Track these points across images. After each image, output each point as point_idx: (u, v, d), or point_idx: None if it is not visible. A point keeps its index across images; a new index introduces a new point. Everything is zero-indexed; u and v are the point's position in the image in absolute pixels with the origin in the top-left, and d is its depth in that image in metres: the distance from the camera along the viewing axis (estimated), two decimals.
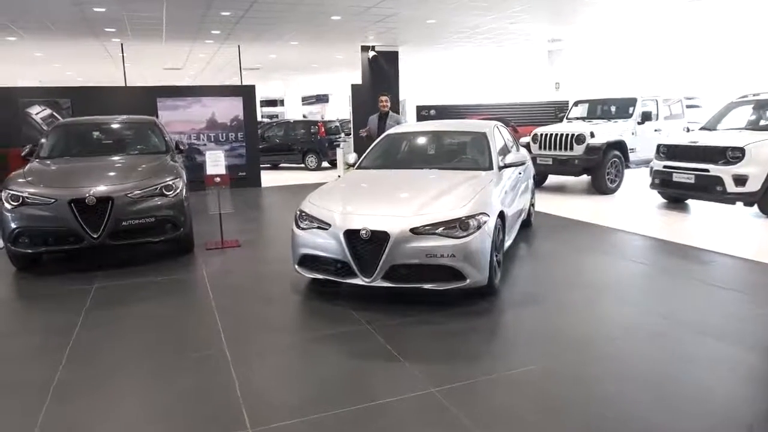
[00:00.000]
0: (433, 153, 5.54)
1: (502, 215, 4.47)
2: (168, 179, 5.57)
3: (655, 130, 10.34)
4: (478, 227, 3.98)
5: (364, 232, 3.94)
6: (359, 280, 4.04)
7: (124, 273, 5.18)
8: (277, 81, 25.52)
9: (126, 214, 5.19)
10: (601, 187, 9.43)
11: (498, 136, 5.65)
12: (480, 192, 4.32)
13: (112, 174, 5.50)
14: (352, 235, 4.00)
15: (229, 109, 11.50)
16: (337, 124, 18.09)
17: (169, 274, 5.15)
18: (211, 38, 11.03)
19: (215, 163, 6.23)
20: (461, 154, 5.51)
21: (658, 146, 8.10)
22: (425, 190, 4.40)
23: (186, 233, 5.69)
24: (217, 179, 6.19)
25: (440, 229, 3.93)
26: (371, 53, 13.23)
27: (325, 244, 4.13)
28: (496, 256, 4.29)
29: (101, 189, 5.14)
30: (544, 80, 16.44)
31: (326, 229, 4.14)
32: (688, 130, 11.09)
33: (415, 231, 3.91)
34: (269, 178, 12.70)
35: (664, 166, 7.83)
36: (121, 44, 10.73)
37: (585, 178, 10.22)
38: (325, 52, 14.73)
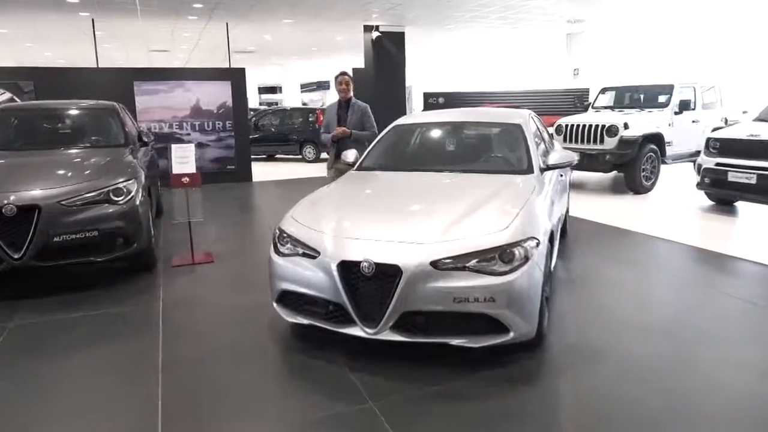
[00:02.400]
0: (454, 150, 4.37)
1: (550, 236, 3.33)
2: (118, 181, 4.42)
3: (693, 121, 9.19)
4: (526, 259, 2.83)
5: (365, 264, 2.80)
6: (358, 331, 2.91)
7: (55, 303, 4.04)
8: (274, 66, 24.21)
9: (58, 228, 4.05)
10: (635, 185, 8.27)
11: (534, 128, 4.49)
12: (524, 206, 3.16)
13: (44, 175, 4.33)
14: (348, 269, 2.87)
15: (217, 95, 10.31)
16: None
17: (113, 306, 4.01)
18: (193, 14, 9.81)
19: (183, 159, 5.08)
20: (490, 151, 4.35)
21: (708, 140, 6.92)
22: (449, 204, 3.25)
23: (143, 249, 4.55)
24: (186, 179, 5.04)
25: (473, 262, 2.79)
26: (375, 34, 11.98)
27: (313, 278, 3.00)
28: (545, 291, 3.15)
29: (25, 195, 4.00)
30: (561, 66, 15.18)
31: (314, 258, 3.01)
32: (726, 121, 9.97)
33: (437, 265, 2.77)
34: (262, 171, 11.56)
35: (717, 164, 6.66)
36: (92, 20, 9.52)
37: (610, 174, 9.09)
38: (324, 33, 13.48)
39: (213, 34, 12.43)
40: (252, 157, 12.80)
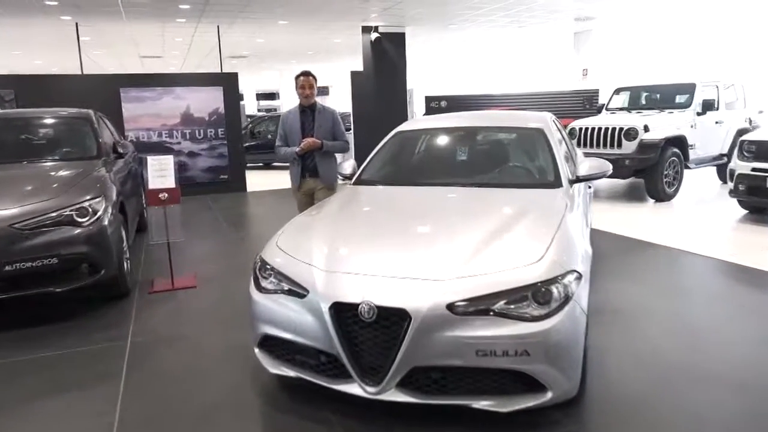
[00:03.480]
0: (466, 160, 3.79)
1: None
2: (83, 199, 3.87)
3: (716, 122, 8.61)
4: (566, 298, 2.26)
5: (365, 308, 2.24)
6: (356, 388, 2.34)
7: (6, 342, 3.48)
8: (272, 72, 23.72)
9: (11, 255, 3.50)
10: (656, 192, 7.69)
11: (557, 133, 3.93)
12: (558, 230, 2.59)
13: None
14: (344, 312, 2.31)
15: (208, 101, 9.78)
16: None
17: (75, 344, 3.44)
18: (181, 15, 9.28)
19: (161, 172, 4.52)
20: (509, 162, 3.77)
21: (742, 143, 6.35)
22: (466, 228, 2.68)
23: (112, 276, 3.99)
24: (164, 195, 4.48)
25: (500, 304, 2.22)
26: (374, 35, 11.44)
27: (300, 322, 2.43)
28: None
29: None
30: (569, 67, 14.62)
31: (301, 297, 2.44)
32: (750, 122, 9.41)
33: (455, 308, 2.20)
34: (258, 181, 10.99)
35: (753, 169, 6.08)
36: (76, 24, 9.00)
37: (623, 180, 8.49)
38: (321, 35, 12.95)
39: (205, 38, 11.94)
40: (248, 165, 12.32)
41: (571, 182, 3.36)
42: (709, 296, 4.11)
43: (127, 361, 3.20)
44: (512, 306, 2.22)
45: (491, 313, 2.21)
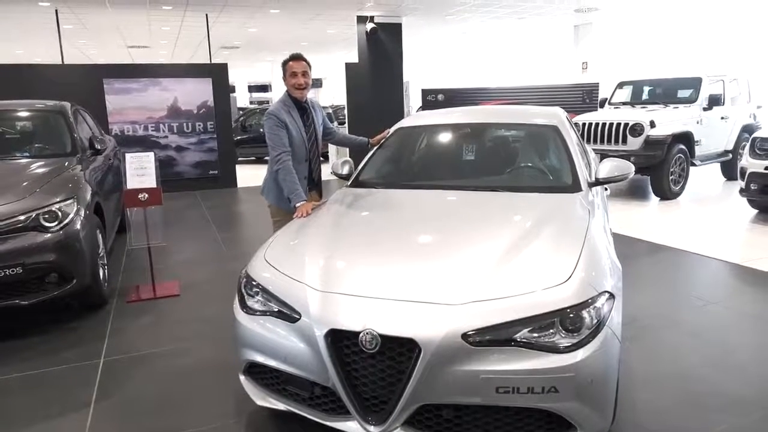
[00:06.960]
0: (475, 160, 3.46)
1: None
2: (52, 202, 3.52)
3: (722, 118, 8.35)
4: (599, 325, 1.96)
5: (367, 337, 1.92)
6: (356, 427, 2.03)
7: None
8: (264, 63, 23.18)
9: None
10: (662, 190, 7.43)
11: (572, 130, 3.61)
12: (584, 243, 2.28)
13: None
14: (342, 341, 1.99)
15: (196, 93, 9.39)
16: (330, 111, 15.99)
17: (41, 364, 3.10)
18: (167, 2, 8.85)
19: (140, 171, 4.17)
20: (521, 162, 3.44)
21: (754, 140, 6.09)
22: (479, 240, 2.37)
23: (85, 285, 3.65)
24: (144, 196, 4.13)
25: (523, 333, 1.91)
26: (369, 25, 11.05)
27: (291, 350, 2.12)
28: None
29: None
30: (568, 60, 14.30)
31: (293, 322, 2.12)
32: (755, 118, 9.18)
33: (471, 338, 1.89)
34: (249, 175, 10.61)
35: (766, 168, 5.82)
36: (56, 11, 8.56)
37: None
38: (315, 26, 12.54)
39: (194, 27, 11.49)
40: (240, 159, 11.95)
41: (590, 185, 3.05)
42: (744, 309, 3.81)
43: (98, 386, 2.86)
44: (537, 335, 1.91)
45: (513, 344, 1.90)
